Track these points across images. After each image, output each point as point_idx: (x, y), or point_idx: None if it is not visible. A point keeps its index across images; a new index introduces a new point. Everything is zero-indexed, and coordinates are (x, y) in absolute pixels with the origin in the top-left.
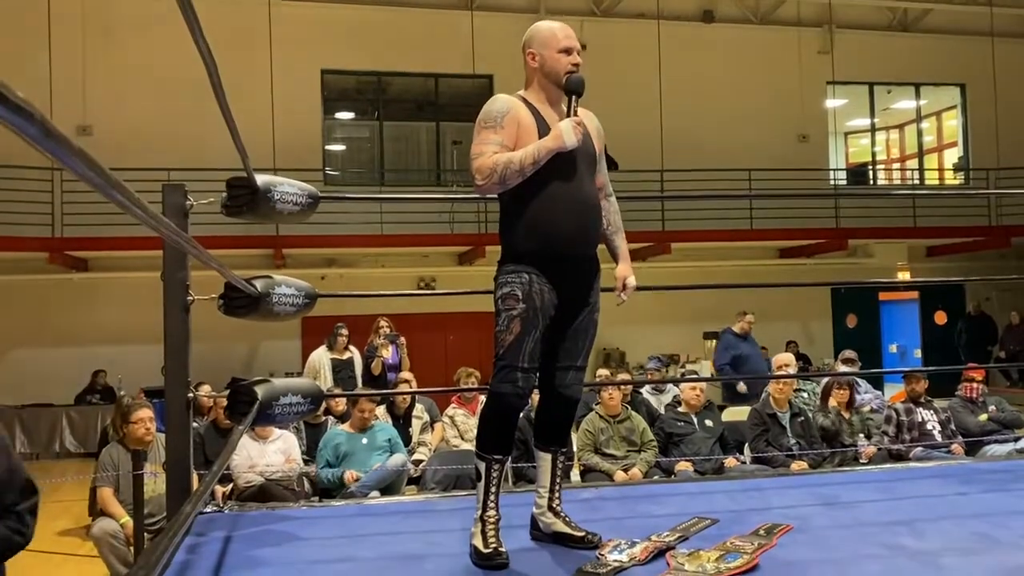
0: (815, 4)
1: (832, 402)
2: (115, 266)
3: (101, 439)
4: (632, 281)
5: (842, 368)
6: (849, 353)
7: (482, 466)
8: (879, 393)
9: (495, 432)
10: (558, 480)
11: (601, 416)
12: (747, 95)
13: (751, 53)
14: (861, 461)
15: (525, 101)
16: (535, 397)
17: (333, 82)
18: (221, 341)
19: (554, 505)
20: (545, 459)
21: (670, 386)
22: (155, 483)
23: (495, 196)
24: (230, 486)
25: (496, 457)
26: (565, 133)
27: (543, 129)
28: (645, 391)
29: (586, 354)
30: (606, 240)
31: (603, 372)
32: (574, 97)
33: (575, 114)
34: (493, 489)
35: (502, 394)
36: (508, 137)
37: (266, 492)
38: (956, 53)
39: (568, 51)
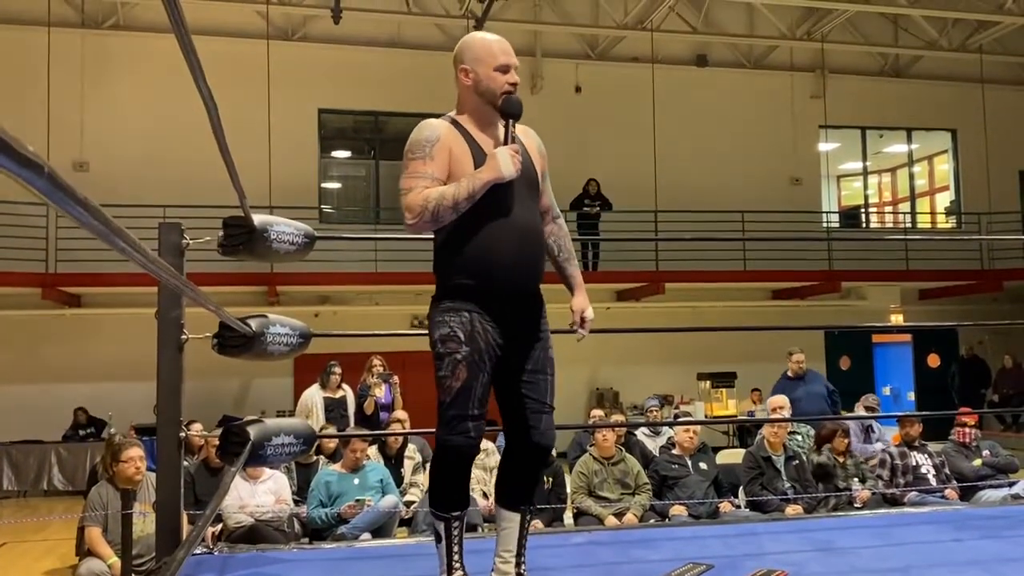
0: (808, 49)
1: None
2: (108, 302)
3: (90, 477)
4: (590, 314)
5: (862, 412)
6: (872, 400)
7: (440, 526)
8: (888, 442)
9: (450, 487)
10: (525, 542)
11: (595, 458)
12: (740, 138)
13: (744, 97)
14: (856, 505)
15: (457, 124)
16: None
17: (330, 121)
18: (213, 378)
19: (522, 572)
20: (512, 520)
21: (665, 428)
22: (144, 523)
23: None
24: (220, 526)
25: (455, 514)
26: (503, 163)
27: (478, 157)
28: (640, 433)
29: (552, 395)
30: (557, 268)
31: (597, 413)
32: (511, 121)
33: (512, 140)
34: (456, 548)
35: (455, 446)
36: (439, 168)
37: (256, 533)
38: (947, 99)
39: (505, 69)
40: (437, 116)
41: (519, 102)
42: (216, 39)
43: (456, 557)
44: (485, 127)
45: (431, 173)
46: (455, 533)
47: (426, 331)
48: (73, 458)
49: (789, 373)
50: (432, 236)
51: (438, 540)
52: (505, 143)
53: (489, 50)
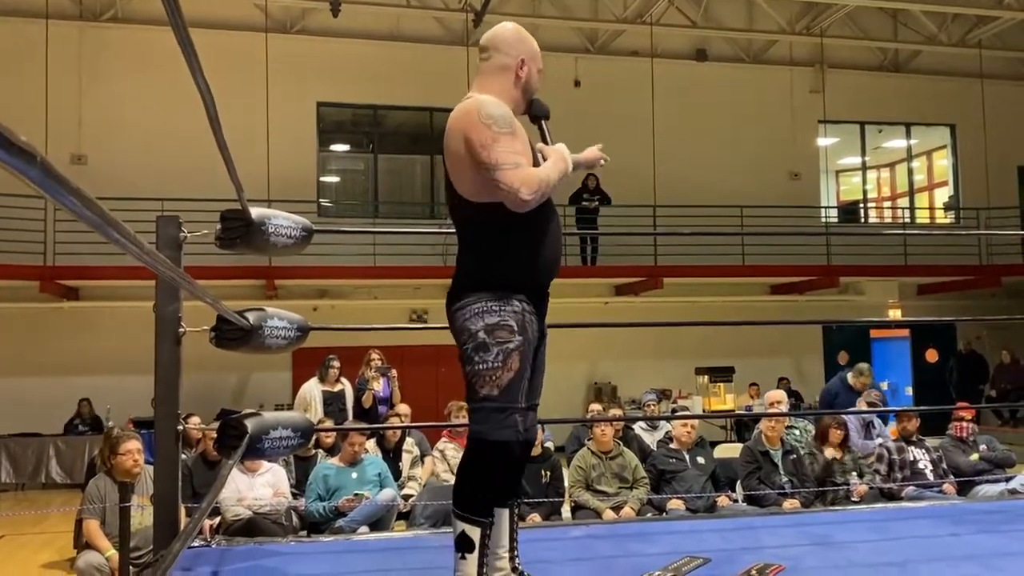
0: (807, 44)
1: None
2: (106, 295)
3: (88, 470)
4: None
5: (865, 407)
6: (875, 395)
7: (476, 533)
8: (888, 437)
9: (494, 488)
10: (516, 536)
11: (593, 452)
12: (740, 133)
13: (744, 92)
14: (853, 499)
15: None
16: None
17: (328, 115)
18: (211, 371)
19: (517, 565)
20: (501, 515)
21: (663, 422)
22: (142, 515)
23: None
24: (217, 519)
25: (491, 519)
26: (569, 158)
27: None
28: (637, 427)
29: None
30: None
31: (595, 407)
32: (544, 123)
33: (551, 141)
34: (487, 558)
35: (503, 442)
36: (524, 147)
37: (254, 526)
38: (946, 94)
39: (541, 71)
40: (437, 110)
41: (546, 104)
42: (214, 32)
43: (487, 571)
44: None
45: (522, 150)
46: (489, 540)
47: (424, 325)
48: (71, 451)
49: (851, 382)
50: (460, 223)
51: (468, 549)
52: (548, 142)
53: (538, 51)
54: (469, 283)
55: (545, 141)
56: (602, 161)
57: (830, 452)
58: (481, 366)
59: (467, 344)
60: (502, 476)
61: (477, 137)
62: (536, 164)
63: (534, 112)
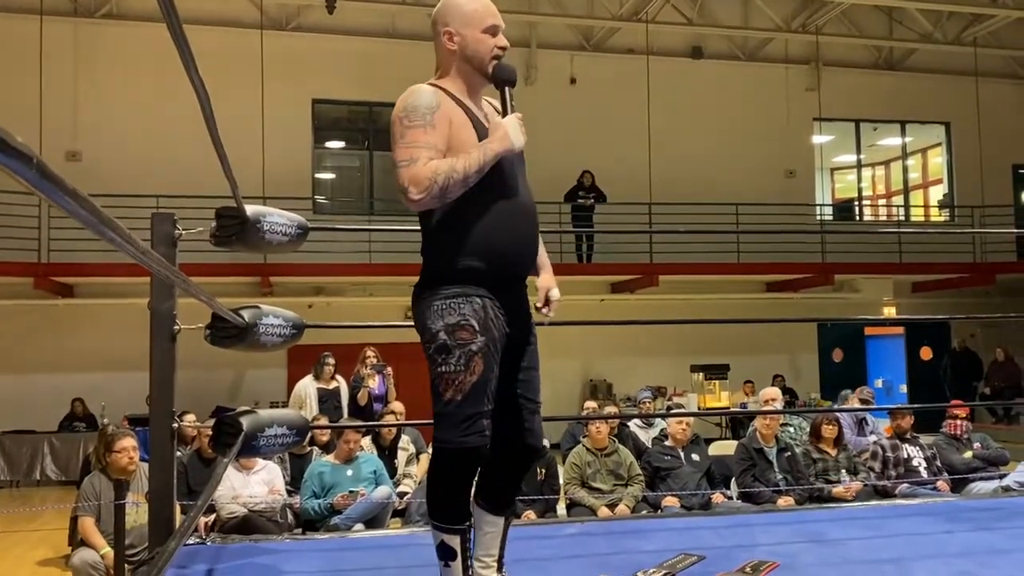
0: (802, 42)
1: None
2: (101, 292)
3: (83, 467)
4: (556, 293)
5: (858, 404)
6: (866, 392)
7: (455, 540)
8: (882, 434)
9: (464, 494)
10: (505, 544)
11: (588, 449)
12: (735, 130)
13: (739, 89)
14: (847, 497)
15: (447, 92)
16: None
17: (324, 112)
18: (207, 368)
19: (504, 573)
20: (496, 524)
21: (658, 419)
22: (137, 513)
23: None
24: (213, 517)
25: (468, 524)
26: (513, 133)
27: (478, 126)
28: (633, 424)
29: (539, 391)
30: None
31: (591, 404)
32: (507, 89)
33: (513, 108)
34: (472, 562)
35: (472, 448)
36: (441, 138)
37: (249, 523)
38: (941, 92)
39: (494, 31)
40: None
41: (512, 67)
42: (210, 29)
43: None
44: (472, 94)
45: (433, 143)
46: (470, 546)
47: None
48: (66, 448)
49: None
50: (420, 215)
51: (451, 557)
52: (505, 112)
53: (476, 11)
54: (427, 278)
55: (504, 110)
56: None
57: (822, 448)
58: (443, 368)
59: (428, 344)
60: (469, 482)
61: (392, 132)
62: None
63: (496, 76)
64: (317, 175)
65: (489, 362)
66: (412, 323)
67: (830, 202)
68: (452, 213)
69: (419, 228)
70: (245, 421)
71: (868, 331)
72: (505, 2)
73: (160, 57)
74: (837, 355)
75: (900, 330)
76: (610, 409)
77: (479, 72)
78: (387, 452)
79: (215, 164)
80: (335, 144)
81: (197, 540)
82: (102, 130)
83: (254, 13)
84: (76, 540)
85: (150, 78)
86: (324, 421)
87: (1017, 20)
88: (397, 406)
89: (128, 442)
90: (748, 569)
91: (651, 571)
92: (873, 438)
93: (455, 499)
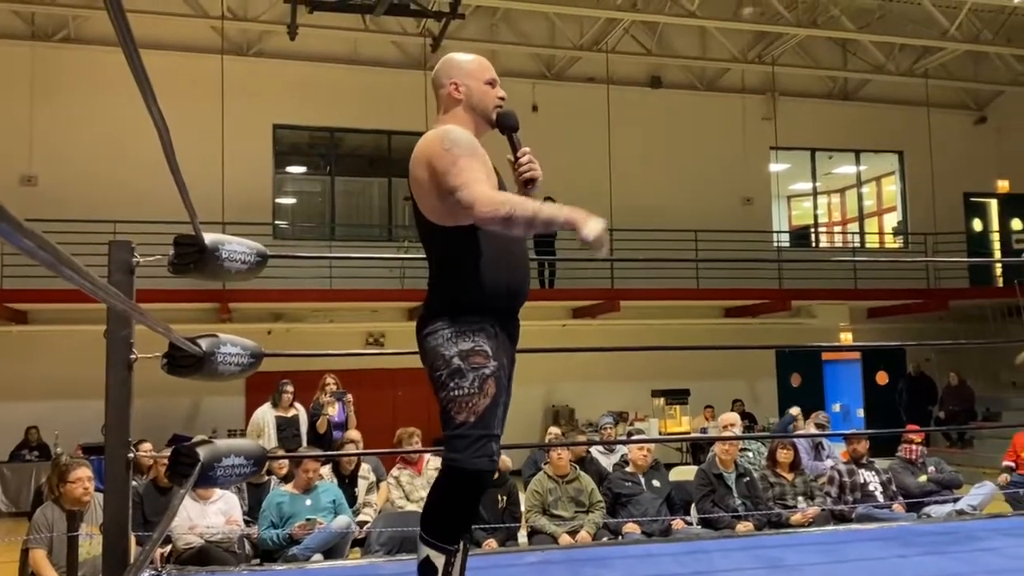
0: (759, 72)
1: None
2: (55, 319)
3: (35, 498)
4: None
5: (814, 429)
6: (822, 417)
7: (439, 560)
8: (838, 459)
9: (465, 515)
10: (465, 570)
11: (550, 476)
12: (693, 159)
13: (697, 118)
14: (804, 523)
15: None
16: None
17: (285, 137)
18: (163, 396)
19: None
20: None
21: (619, 445)
22: (90, 544)
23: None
24: (169, 548)
25: (457, 549)
26: (594, 226)
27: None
28: (594, 450)
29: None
30: None
31: (554, 430)
32: (514, 135)
33: (520, 147)
34: None
35: (480, 470)
36: (487, 169)
37: (206, 555)
38: (894, 121)
39: (493, 83)
40: (395, 133)
41: (514, 113)
42: (170, 54)
43: None
44: (477, 138)
45: (486, 171)
46: (453, 568)
47: (381, 350)
48: (16, 478)
49: None
50: (429, 248)
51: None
52: (515, 153)
53: (477, 65)
54: (439, 308)
55: (514, 152)
56: (603, 251)
57: (779, 472)
58: (456, 392)
59: (441, 370)
60: (474, 504)
61: (440, 164)
62: (501, 184)
63: (500, 123)
64: (278, 200)
65: (500, 386)
66: (371, 351)
67: (787, 229)
68: (473, 249)
69: (378, 257)
70: (202, 451)
71: (825, 356)
72: (467, 30)
73: (118, 81)
74: (795, 380)
75: (857, 355)
76: (579, 437)
77: (484, 120)
78: (347, 480)
79: (174, 189)
80: (296, 169)
81: (152, 572)
82: (59, 154)
83: (215, 38)
84: (27, 573)
85: (108, 102)
86: (282, 452)
87: (965, 53)
88: (354, 434)
89: (83, 472)
90: None
91: None
92: (830, 463)
93: (454, 519)
